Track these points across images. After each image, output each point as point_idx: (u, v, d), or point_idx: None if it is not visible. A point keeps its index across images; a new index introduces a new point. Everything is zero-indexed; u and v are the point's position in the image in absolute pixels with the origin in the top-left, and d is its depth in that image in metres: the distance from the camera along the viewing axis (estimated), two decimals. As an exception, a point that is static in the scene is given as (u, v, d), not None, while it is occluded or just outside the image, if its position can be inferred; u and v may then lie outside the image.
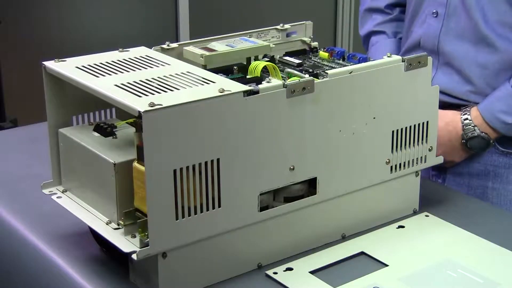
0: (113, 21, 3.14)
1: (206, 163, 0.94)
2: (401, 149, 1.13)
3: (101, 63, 1.05)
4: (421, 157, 1.16)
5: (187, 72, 1.02)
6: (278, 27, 1.24)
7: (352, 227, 1.12)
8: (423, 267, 1.03)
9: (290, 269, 1.03)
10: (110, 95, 0.94)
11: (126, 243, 0.94)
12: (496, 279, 1.00)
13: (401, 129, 1.12)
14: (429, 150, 1.16)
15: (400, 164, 1.14)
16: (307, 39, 1.25)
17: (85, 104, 1.07)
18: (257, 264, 1.03)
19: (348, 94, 1.05)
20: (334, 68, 1.12)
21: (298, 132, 1.01)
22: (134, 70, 1.03)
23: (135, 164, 0.94)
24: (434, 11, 1.39)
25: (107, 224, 0.98)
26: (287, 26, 1.24)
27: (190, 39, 1.18)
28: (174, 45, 1.14)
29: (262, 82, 0.99)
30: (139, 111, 0.88)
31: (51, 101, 1.06)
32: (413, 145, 1.14)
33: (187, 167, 0.92)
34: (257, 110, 0.97)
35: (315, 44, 1.25)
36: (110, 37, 3.09)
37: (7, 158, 1.43)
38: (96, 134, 1.03)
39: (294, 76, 1.07)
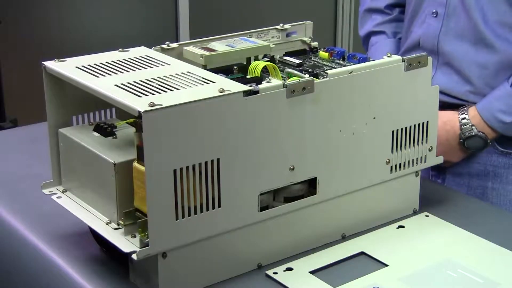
0: (113, 21, 3.14)
1: (206, 163, 0.94)
2: (401, 149, 1.13)
3: (101, 63, 1.05)
4: (421, 157, 1.16)
5: (187, 72, 1.02)
6: (278, 27, 1.23)
7: (352, 227, 1.12)
8: (423, 267, 1.03)
9: (290, 269, 1.03)
10: (110, 95, 0.94)
11: (126, 243, 0.94)
12: (496, 279, 1.00)
13: (401, 129, 1.12)
14: (429, 150, 1.16)
15: (400, 164, 1.13)
16: (307, 39, 1.25)
17: (85, 104, 1.07)
18: (257, 264, 1.03)
19: (348, 94, 1.05)
20: (334, 68, 1.12)
21: (298, 132, 1.01)
22: (134, 70, 1.03)
23: (135, 164, 0.94)
24: (434, 11, 1.39)
25: (107, 224, 0.98)
26: (287, 26, 1.24)
27: (190, 39, 1.18)
28: (174, 45, 1.14)
29: (262, 82, 0.99)
30: (139, 111, 0.88)
31: (51, 101, 1.06)
32: (413, 145, 1.14)
33: (187, 167, 0.92)
34: (257, 110, 0.96)
35: (315, 44, 1.25)
36: (110, 37, 3.09)
37: (7, 158, 1.42)
38: (96, 134, 1.03)
39: (294, 76, 1.07)
